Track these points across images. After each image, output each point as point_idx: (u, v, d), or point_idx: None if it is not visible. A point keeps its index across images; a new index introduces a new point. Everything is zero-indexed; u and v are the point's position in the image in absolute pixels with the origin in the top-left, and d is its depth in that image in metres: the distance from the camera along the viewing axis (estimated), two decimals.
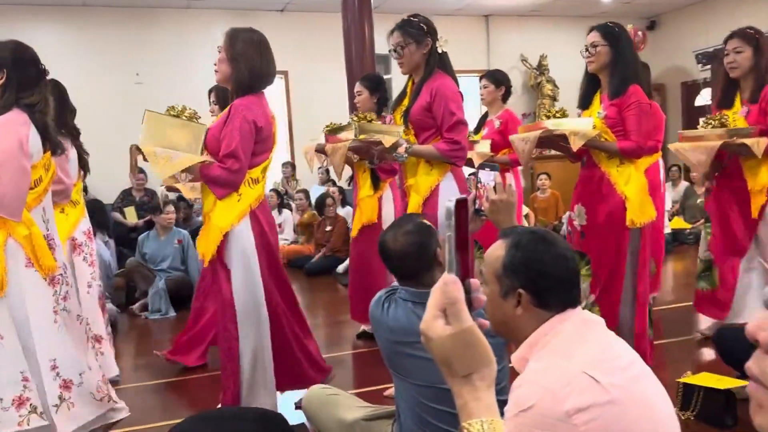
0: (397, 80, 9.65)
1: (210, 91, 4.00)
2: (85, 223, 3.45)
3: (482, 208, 1.93)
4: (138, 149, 2.67)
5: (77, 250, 3.36)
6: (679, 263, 6.45)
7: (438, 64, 2.90)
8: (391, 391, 2.73)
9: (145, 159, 2.65)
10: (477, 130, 4.29)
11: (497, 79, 4.22)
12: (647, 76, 4.38)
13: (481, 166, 1.98)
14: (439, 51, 2.90)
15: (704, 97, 9.02)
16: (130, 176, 2.75)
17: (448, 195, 2.77)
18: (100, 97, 7.76)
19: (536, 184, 7.91)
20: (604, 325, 1.33)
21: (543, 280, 1.30)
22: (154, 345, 4.22)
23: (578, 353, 1.22)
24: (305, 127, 8.50)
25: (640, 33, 8.68)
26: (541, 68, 9.71)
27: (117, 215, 6.97)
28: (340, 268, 6.30)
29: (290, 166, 8.62)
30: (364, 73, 5.22)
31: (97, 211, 5.54)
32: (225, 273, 2.69)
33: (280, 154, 9.09)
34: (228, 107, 2.70)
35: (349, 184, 4.51)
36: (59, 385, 2.37)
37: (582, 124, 3.02)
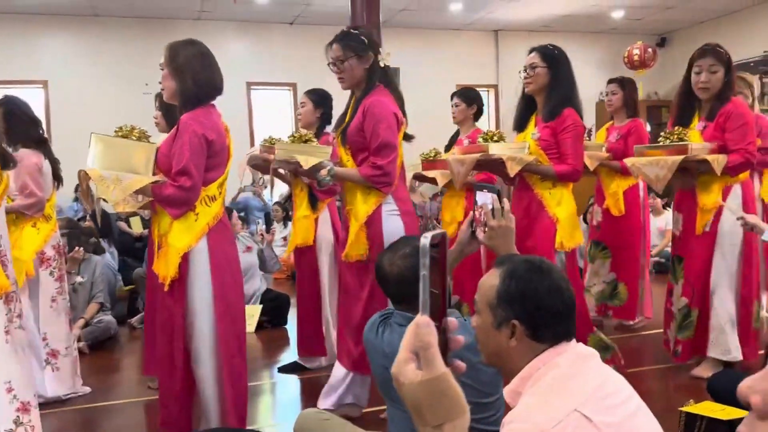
0: (406, 93, 9.68)
1: (156, 96, 3.69)
2: (55, 238, 3.41)
3: (477, 232, 1.79)
4: (86, 174, 2.50)
5: (44, 264, 3.34)
6: None
7: (381, 79, 2.78)
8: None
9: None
10: (447, 149, 4.18)
11: (469, 98, 4.11)
12: (634, 94, 4.35)
13: (479, 187, 1.86)
14: (382, 65, 2.77)
15: None
16: (84, 204, 2.66)
17: (392, 220, 2.72)
18: (108, 106, 7.79)
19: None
20: (599, 359, 1.29)
21: (538, 312, 1.27)
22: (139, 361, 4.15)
23: (571, 390, 1.19)
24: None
25: (649, 50, 8.68)
26: None
27: (122, 225, 6.97)
28: None
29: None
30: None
31: (101, 221, 5.54)
32: (179, 295, 2.55)
33: None
34: (176, 123, 2.55)
35: (285, 202, 4.39)
36: (16, 408, 2.26)
37: (517, 149, 3.07)
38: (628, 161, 3.38)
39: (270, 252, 5.31)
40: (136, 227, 6.91)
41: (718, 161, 3.12)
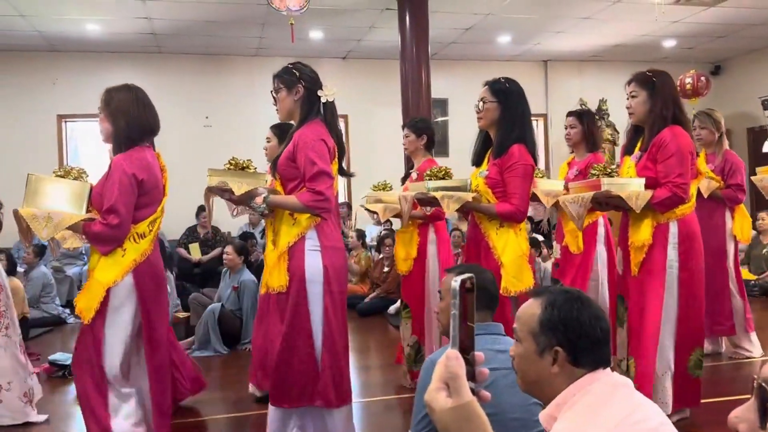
0: (454, 124, 9.81)
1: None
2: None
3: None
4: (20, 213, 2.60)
5: None
6: None
7: (317, 113, 2.74)
8: None
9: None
10: (403, 181, 4.14)
11: (418, 128, 3.96)
12: (593, 127, 4.09)
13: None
14: (323, 100, 2.75)
15: None
16: (22, 241, 2.74)
17: (312, 256, 2.63)
18: (170, 138, 8.11)
19: None
20: (632, 387, 1.34)
21: (580, 339, 1.33)
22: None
23: (603, 416, 1.23)
24: (363, 169, 8.68)
25: (703, 78, 8.56)
26: (601, 112, 9.64)
27: (182, 251, 7.25)
28: (392, 309, 6.32)
29: (346, 207, 8.80)
30: (420, 116, 5.20)
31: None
32: (98, 329, 2.64)
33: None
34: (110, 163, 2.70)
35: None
36: None
37: (460, 189, 2.93)
38: (560, 198, 3.19)
39: None
40: (195, 253, 7.18)
41: (639, 197, 2.86)
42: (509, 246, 2.87)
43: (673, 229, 2.98)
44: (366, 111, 9.10)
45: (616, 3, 7.14)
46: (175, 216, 7.09)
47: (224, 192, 2.71)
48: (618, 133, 9.54)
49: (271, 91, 2.80)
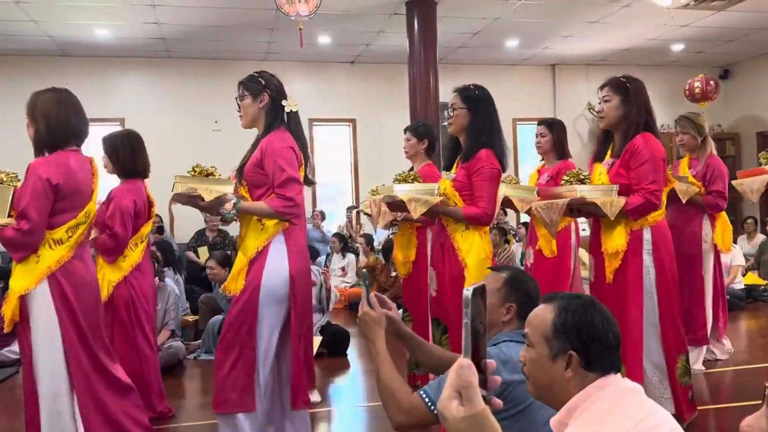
0: None
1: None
2: None
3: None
4: None
5: None
6: (752, 321, 6.13)
7: (282, 120, 2.75)
8: None
9: None
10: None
11: (419, 133, 4.02)
12: (562, 135, 4.10)
13: (364, 276, 2.01)
14: (287, 110, 2.76)
15: None
16: None
17: (277, 259, 2.63)
18: (179, 141, 8.23)
19: None
20: (643, 393, 1.34)
21: (593, 343, 1.33)
22: (204, 386, 4.31)
23: (614, 423, 1.24)
24: (371, 173, 8.73)
25: (711, 82, 8.54)
26: None
27: (191, 254, 7.28)
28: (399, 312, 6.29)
29: (354, 211, 8.82)
30: (428, 120, 5.20)
31: (165, 250, 5.83)
32: (27, 336, 2.62)
33: (346, 198, 9.31)
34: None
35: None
36: None
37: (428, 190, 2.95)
38: (533, 204, 3.19)
39: (322, 293, 5.27)
40: (204, 257, 7.20)
41: (612, 204, 2.87)
42: (474, 248, 2.88)
43: (647, 235, 2.98)
44: (374, 115, 9.13)
45: (625, 7, 7.13)
46: (184, 220, 7.14)
47: (192, 198, 2.66)
48: None
49: (236, 98, 2.80)
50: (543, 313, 1.39)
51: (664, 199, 3.03)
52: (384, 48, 8.40)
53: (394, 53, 8.22)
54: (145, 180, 3.64)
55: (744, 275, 6.86)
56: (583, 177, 2.99)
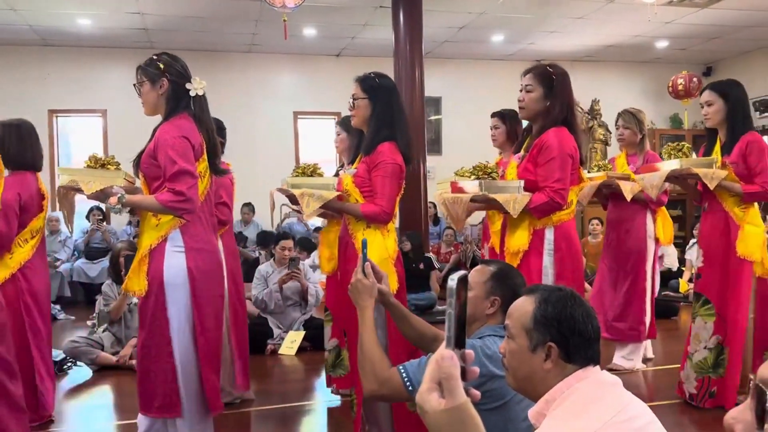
0: (447, 122, 9.82)
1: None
2: None
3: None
4: None
5: None
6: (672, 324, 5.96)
7: (185, 107, 2.61)
8: None
9: None
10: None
11: (350, 126, 3.75)
12: (517, 127, 3.90)
13: (363, 244, 2.03)
14: (192, 94, 2.61)
15: None
16: None
17: (174, 258, 2.51)
18: None
19: (587, 229, 7.81)
20: (621, 385, 1.34)
21: (573, 335, 1.33)
22: None
23: (591, 414, 1.24)
24: None
25: (695, 79, 8.62)
26: (593, 113, 9.68)
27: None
28: None
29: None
30: (414, 114, 5.09)
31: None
32: None
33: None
34: None
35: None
36: None
37: (325, 185, 2.83)
38: (442, 196, 2.93)
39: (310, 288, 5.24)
40: None
41: (516, 201, 2.72)
42: (375, 246, 2.64)
43: (549, 235, 2.82)
44: None
45: (610, 3, 7.16)
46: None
47: (75, 191, 2.60)
48: (610, 133, 9.57)
49: (134, 84, 2.66)
50: (524, 305, 1.39)
51: (572, 198, 2.89)
52: (370, 41, 8.37)
53: (379, 46, 8.18)
54: (38, 173, 3.43)
55: (690, 280, 6.58)
56: (489, 171, 2.82)
